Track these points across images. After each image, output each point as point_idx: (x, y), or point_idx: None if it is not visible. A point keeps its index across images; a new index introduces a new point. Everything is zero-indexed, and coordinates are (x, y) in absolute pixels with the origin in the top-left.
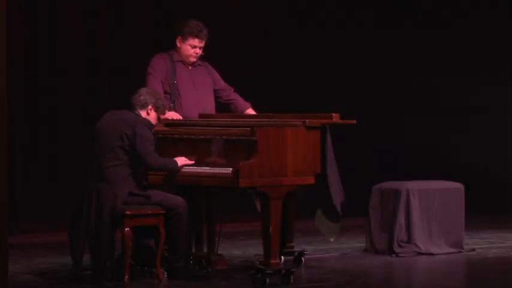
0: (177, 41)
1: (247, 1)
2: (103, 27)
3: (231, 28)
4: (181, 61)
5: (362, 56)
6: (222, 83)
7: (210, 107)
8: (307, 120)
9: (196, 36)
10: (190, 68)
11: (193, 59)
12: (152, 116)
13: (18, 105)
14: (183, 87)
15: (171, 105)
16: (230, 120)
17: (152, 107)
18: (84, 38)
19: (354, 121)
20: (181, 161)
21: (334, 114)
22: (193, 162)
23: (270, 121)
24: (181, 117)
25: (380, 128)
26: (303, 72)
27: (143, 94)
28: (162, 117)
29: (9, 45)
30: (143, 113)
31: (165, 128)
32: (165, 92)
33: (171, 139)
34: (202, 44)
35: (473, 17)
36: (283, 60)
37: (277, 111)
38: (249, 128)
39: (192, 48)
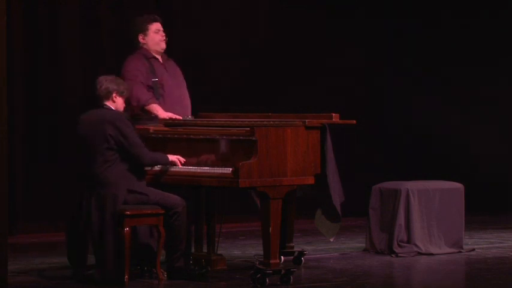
0: (140, 39)
1: (248, 1)
2: (103, 22)
3: (231, 28)
4: (154, 57)
5: (362, 55)
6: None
7: (189, 103)
8: (307, 120)
9: (154, 20)
10: (163, 63)
11: (163, 44)
12: (119, 102)
13: (18, 106)
14: (166, 84)
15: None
16: (230, 120)
17: (116, 93)
18: (83, 36)
19: (354, 121)
20: (172, 157)
21: (334, 114)
22: (184, 160)
23: (270, 121)
24: (180, 118)
25: (380, 128)
26: (303, 72)
27: (104, 83)
28: (162, 117)
29: (10, 44)
30: (109, 103)
31: (165, 128)
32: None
33: (171, 139)
34: (162, 28)
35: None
36: (283, 59)
37: (277, 111)
38: (248, 128)
39: (157, 32)
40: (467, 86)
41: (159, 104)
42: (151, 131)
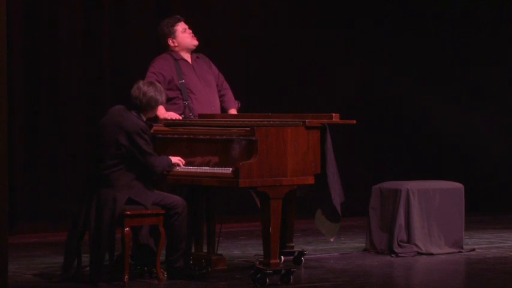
0: (169, 42)
1: (248, 1)
2: (104, 21)
3: (231, 29)
4: (182, 59)
5: (362, 55)
6: (221, 78)
7: (217, 104)
8: (307, 120)
9: (178, 20)
10: (192, 63)
11: (195, 41)
12: (154, 113)
13: (18, 107)
14: (194, 85)
15: (185, 103)
16: (230, 120)
17: (155, 105)
18: (84, 36)
19: (354, 121)
20: (174, 159)
21: (334, 114)
22: (184, 162)
23: (270, 121)
24: (181, 118)
25: (380, 128)
26: (303, 72)
27: (148, 92)
28: (162, 117)
29: (10, 44)
30: (144, 115)
31: (165, 128)
32: (171, 91)
33: (171, 139)
34: (187, 24)
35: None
36: (283, 60)
37: (277, 111)
38: (249, 128)
39: (184, 31)
40: (467, 85)
41: (188, 105)
42: (151, 131)
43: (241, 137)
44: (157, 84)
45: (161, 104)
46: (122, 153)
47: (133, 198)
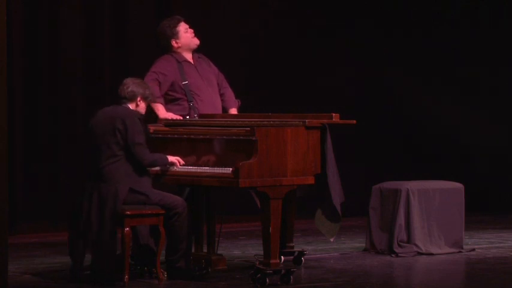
0: (173, 43)
1: (248, 2)
2: (104, 21)
3: (231, 29)
4: (185, 60)
5: (362, 55)
6: (221, 77)
7: (219, 104)
8: (307, 120)
9: (179, 21)
10: (194, 63)
11: (196, 40)
12: (141, 106)
13: (18, 107)
14: (197, 86)
15: (190, 104)
16: (230, 120)
17: (141, 98)
18: (84, 35)
19: (354, 121)
20: (172, 158)
21: (334, 114)
22: (183, 162)
23: (270, 121)
24: (181, 117)
25: (380, 127)
26: (303, 72)
27: (130, 85)
28: (162, 117)
29: (9, 43)
30: (132, 106)
31: (165, 128)
32: (175, 92)
33: (171, 139)
34: (187, 24)
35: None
36: (284, 59)
37: (277, 111)
38: (249, 128)
39: (186, 31)
40: (467, 85)
41: (195, 106)
42: (151, 131)
43: (219, 136)
44: (143, 81)
45: (140, 96)
46: (117, 140)
47: (135, 188)
